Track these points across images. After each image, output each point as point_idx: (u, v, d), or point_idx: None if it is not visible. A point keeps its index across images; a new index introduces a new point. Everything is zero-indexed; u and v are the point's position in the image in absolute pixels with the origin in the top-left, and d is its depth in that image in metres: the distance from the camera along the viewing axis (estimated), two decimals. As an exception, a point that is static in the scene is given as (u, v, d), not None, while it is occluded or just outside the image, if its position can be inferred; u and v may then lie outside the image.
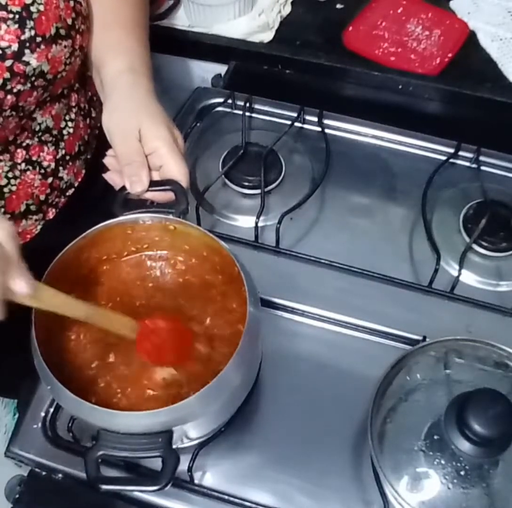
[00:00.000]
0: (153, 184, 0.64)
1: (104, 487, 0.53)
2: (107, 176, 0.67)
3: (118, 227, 0.64)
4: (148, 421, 0.54)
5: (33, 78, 0.65)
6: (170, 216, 0.63)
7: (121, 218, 0.63)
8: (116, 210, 0.64)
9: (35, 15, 0.63)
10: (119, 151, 0.65)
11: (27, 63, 0.63)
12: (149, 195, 0.65)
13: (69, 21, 0.67)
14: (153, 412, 0.54)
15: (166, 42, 1.02)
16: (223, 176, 0.86)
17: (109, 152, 0.67)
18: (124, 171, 0.64)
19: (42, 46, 0.64)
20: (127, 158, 0.64)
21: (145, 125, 0.64)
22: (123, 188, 0.64)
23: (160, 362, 0.61)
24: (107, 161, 0.67)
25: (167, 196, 0.64)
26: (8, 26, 0.61)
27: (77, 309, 0.57)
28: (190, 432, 0.60)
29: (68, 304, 0.56)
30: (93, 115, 0.83)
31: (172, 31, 1.04)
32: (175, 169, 0.64)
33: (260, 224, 0.82)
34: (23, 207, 0.75)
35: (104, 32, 0.72)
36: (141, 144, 0.64)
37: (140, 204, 0.67)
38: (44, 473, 0.68)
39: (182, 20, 1.05)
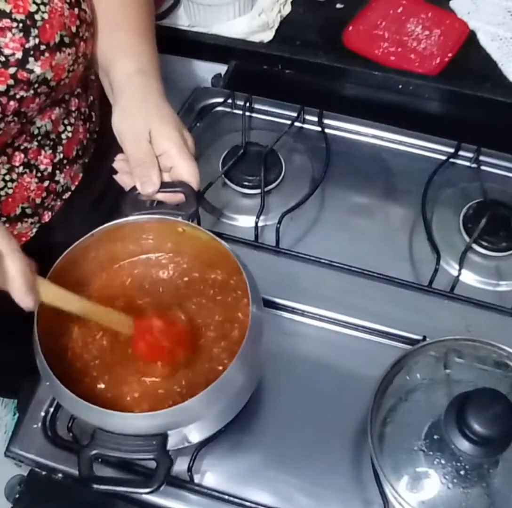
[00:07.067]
0: (163, 185, 0.64)
1: (96, 486, 0.54)
2: (117, 177, 0.67)
3: (127, 226, 0.63)
4: (144, 422, 0.54)
5: (36, 85, 0.64)
6: (179, 219, 0.63)
7: (130, 218, 0.63)
8: (125, 210, 0.64)
9: (39, 23, 0.63)
10: (130, 152, 0.65)
11: (31, 71, 0.63)
12: (160, 196, 0.65)
13: (73, 29, 0.66)
14: (149, 414, 0.54)
15: (166, 42, 1.01)
16: (223, 176, 0.86)
17: (119, 156, 0.67)
18: (134, 172, 0.64)
19: (46, 54, 0.64)
20: (137, 159, 0.64)
21: (155, 126, 0.64)
22: (133, 188, 0.64)
23: (155, 359, 0.61)
24: (116, 165, 0.67)
25: (178, 197, 0.64)
26: (13, 34, 0.61)
27: (74, 303, 0.57)
28: (191, 435, 0.60)
29: (64, 298, 0.56)
30: (93, 119, 0.83)
31: (172, 31, 1.04)
32: (185, 170, 0.64)
33: (260, 224, 0.82)
34: (18, 210, 0.74)
35: (111, 34, 0.72)
36: (152, 145, 0.64)
37: (149, 205, 0.67)
38: (44, 473, 0.68)
39: (182, 19, 1.05)
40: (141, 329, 0.60)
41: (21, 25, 0.61)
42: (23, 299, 0.51)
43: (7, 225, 0.74)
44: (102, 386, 0.61)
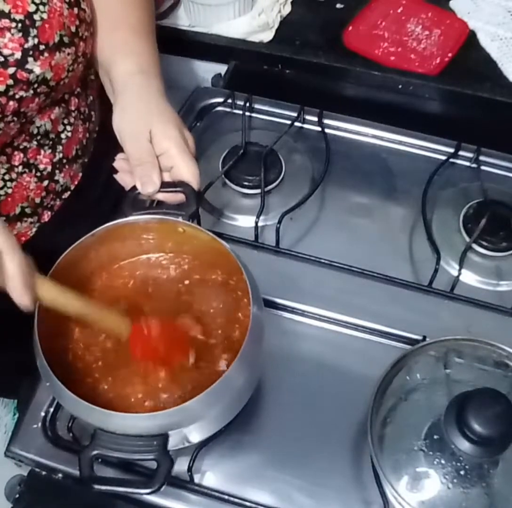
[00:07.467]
0: (164, 185, 0.64)
1: (97, 486, 0.54)
2: (118, 177, 0.67)
3: (127, 226, 0.63)
4: (144, 423, 0.54)
5: (35, 85, 0.64)
6: (180, 219, 0.63)
7: (130, 218, 0.63)
8: (126, 210, 0.63)
9: (38, 23, 0.62)
10: (130, 152, 0.65)
11: (30, 71, 0.63)
12: (160, 196, 0.65)
13: (73, 29, 0.66)
14: (150, 414, 0.54)
15: (166, 42, 1.01)
16: (223, 176, 0.86)
17: (119, 155, 0.67)
18: (135, 172, 0.64)
19: (46, 54, 0.64)
20: (138, 159, 0.64)
21: (156, 126, 0.64)
22: (133, 188, 0.64)
23: (151, 360, 0.61)
24: (117, 164, 0.67)
25: (178, 197, 0.64)
26: (12, 34, 0.61)
27: (72, 303, 0.56)
28: (191, 435, 0.60)
29: (63, 297, 0.55)
30: (93, 119, 0.83)
31: (172, 30, 1.04)
32: (185, 170, 0.63)
33: (260, 224, 0.82)
34: (18, 210, 0.74)
35: (112, 34, 0.72)
36: (152, 145, 0.64)
37: (149, 204, 0.67)
38: (44, 473, 0.68)
39: (182, 19, 1.05)
40: (138, 332, 0.60)
41: (20, 25, 0.61)
42: (21, 298, 0.51)
43: (6, 224, 0.74)
44: (104, 386, 0.61)
